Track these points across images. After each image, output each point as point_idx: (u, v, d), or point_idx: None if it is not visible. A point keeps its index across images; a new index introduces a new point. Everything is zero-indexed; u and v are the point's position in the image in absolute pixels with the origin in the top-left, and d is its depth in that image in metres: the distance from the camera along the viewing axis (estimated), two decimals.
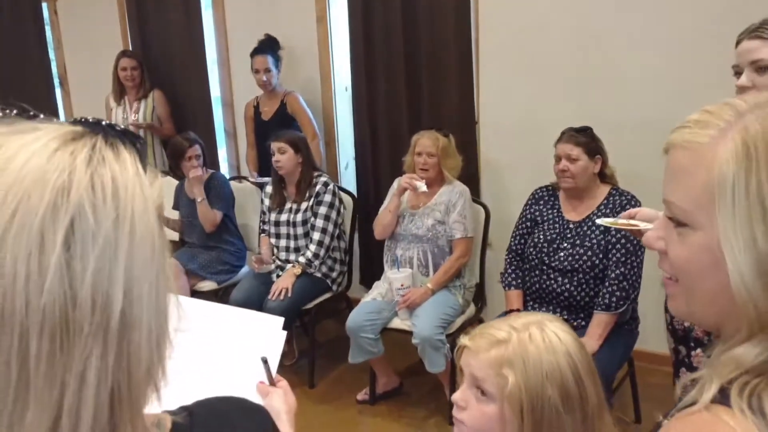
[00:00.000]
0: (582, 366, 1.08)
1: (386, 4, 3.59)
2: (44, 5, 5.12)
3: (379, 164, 3.85)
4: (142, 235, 0.48)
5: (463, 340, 1.14)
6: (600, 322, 2.45)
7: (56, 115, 5.18)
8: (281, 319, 1.20)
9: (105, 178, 0.47)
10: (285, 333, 1.19)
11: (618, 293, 2.44)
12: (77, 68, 5.13)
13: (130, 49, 4.67)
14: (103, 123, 0.52)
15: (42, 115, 0.53)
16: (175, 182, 3.91)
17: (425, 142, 3.03)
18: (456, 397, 1.11)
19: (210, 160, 4.04)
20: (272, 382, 1.10)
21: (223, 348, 1.12)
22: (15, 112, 0.53)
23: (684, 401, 0.63)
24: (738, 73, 1.57)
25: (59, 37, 5.15)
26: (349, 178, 4.12)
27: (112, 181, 0.48)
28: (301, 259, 3.31)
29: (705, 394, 0.60)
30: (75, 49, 5.10)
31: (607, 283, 2.47)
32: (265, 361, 1.09)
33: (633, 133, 3.00)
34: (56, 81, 5.26)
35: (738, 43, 1.57)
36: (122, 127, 0.54)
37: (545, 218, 2.67)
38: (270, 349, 1.13)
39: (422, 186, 2.92)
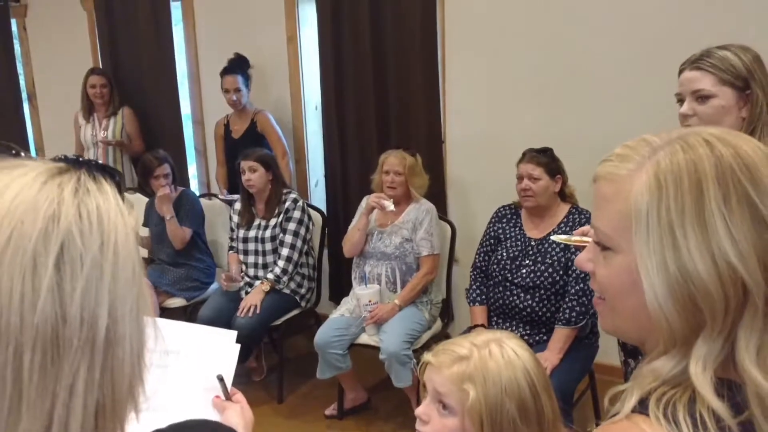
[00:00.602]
0: (538, 381, 1.14)
1: (355, 26, 3.67)
2: (13, 21, 5.10)
3: (349, 182, 3.90)
4: (124, 258, 0.53)
5: (427, 356, 1.20)
6: (561, 337, 2.53)
7: (24, 130, 5.18)
8: (234, 333, 1.23)
9: (90, 208, 0.52)
10: (238, 346, 1.21)
11: (578, 308, 2.52)
12: (46, 84, 5.12)
13: (100, 65, 4.68)
14: (84, 159, 0.57)
15: (23, 153, 0.58)
16: (145, 199, 3.92)
17: (392, 160, 3.10)
18: (419, 411, 1.17)
19: (180, 177, 4.06)
20: (228, 397, 1.13)
21: (179, 364, 1.14)
22: None
23: (611, 412, 0.69)
24: (681, 101, 1.66)
25: (28, 52, 5.14)
26: (319, 196, 4.17)
27: (96, 210, 0.52)
28: (270, 276, 3.34)
29: (626, 404, 0.66)
30: (44, 65, 5.08)
31: (567, 299, 2.55)
32: (220, 379, 1.12)
33: (593, 151, 3.05)
34: (24, 96, 5.23)
35: (680, 72, 1.67)
36: (103, 163, 0.58)
37: (508, 236, 2.75)
38: (225, 363, 1.16)
39: (390, 205, 2.98)
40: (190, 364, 1.14)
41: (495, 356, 1.12)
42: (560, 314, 2.56)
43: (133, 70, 4.57)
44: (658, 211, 0.66)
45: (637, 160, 0.70)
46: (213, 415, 1.09)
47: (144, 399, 0.56)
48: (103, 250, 0.52)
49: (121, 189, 0.57)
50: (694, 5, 2.86)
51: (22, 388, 0.48)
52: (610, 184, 0.72)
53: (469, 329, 2.75)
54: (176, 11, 4.38)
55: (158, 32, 4.39)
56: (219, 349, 1.18)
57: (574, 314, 2.52)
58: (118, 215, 0.54)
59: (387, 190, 3.08)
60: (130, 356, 0.54)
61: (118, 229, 0.53)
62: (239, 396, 1.15)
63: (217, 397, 1.12)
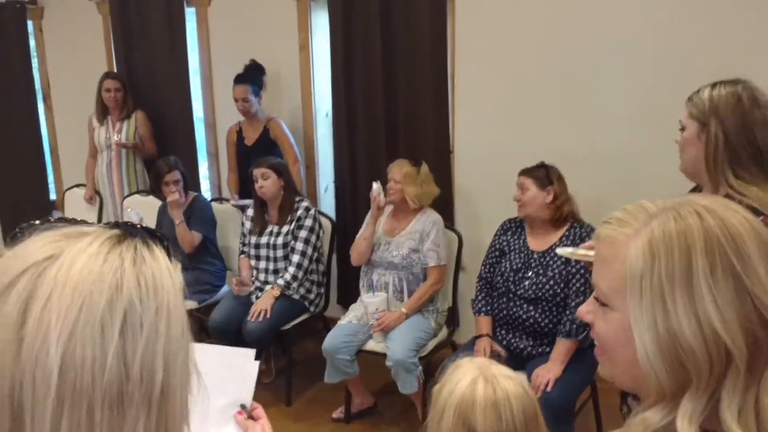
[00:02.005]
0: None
1: (366, 35, 3.73)
2: (29, 23, 5.18)
3: (358, 188, 3.96)
4: (176, 319, 0.61)
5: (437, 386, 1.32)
6: (562, 349, 2.59)
7: (38, 130, 5.26)
8: (253, 351, 1.31)
9: (147, 276, 0.59)
10: (258, 363, 1.29)
11: (578, 321, 2.58)
12: (61, 85, 5.19)
13: (114, 68, 4.76)
14: (136, 226, 0.64)
15: (76, 218, 0.65)
16: (158, 202, 4.00)
17: (393, 169, 3.20)
18: None
19: (191, 179, 4.13)
20: (250, 416, 1.20)
21: (206, 385, 1.21)
22: (55, 219, 0.65)
23: None
24: (682, 129, 1.75)
25: (43, 53, 5.21)
26: (328, 201, 4.24)
27: (152, 277, 0.60)
28: (280, 281, 3.42)
29: None
30: (59, 66, 5.16)
31: (568, 312, 2.61)
32: (243, 407, 1.19)
33: (599, 164, 3.17)
34: (39, 97, 5.32)
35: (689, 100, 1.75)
36: (152, 228, 0.66)
37: (512, 248, 2.82)
38: (246, 381, 1.23)
39: (381, 200, 3.17)
40: (215, 384, 1.21)
41: (454, 385, 1.26)
42: (561, 326, 2.62)
43: (146, 74, 4.64)
44: (651, 277, 0.73)
45: (635, 226, 0.77)
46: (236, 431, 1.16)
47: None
48: (159, 313, 0.59)
49: (169, 252, 0.65)
50: (699, 28, 2.91)
51: None
52: (609, 247, 0.79)
53: (475, 339, 2.82)
54: (190, 17, 4.45)
55: (172, 37, 4.46)
56: (240, 367, 1.25)
57: (575, 326, 2.58)
58: (169, 279, 0.62)
59: (389, 196, 3.18)
60: (180, 402, 0.62)
61: (170, 293, 0.61)
62: (259, 411, 1.21)
63: (240, 413, 1.18)
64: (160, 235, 0.65)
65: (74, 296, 0.55)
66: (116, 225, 0.63)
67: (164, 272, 0.61)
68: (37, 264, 0.57)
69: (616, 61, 3.12)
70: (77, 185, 4.73)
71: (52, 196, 5.48)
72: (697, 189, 1.92)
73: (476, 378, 1.25)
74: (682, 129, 1.73)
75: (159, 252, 0.63)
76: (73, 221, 0.65)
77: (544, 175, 2.75)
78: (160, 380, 0.58)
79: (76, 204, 4.71)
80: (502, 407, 1.22)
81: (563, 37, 3.24)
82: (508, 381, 1.26)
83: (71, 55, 5.03)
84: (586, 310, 0.84)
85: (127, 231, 0.62)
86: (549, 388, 2.48)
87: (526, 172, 2.80)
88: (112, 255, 0.59)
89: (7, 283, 0.56)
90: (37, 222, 0.66)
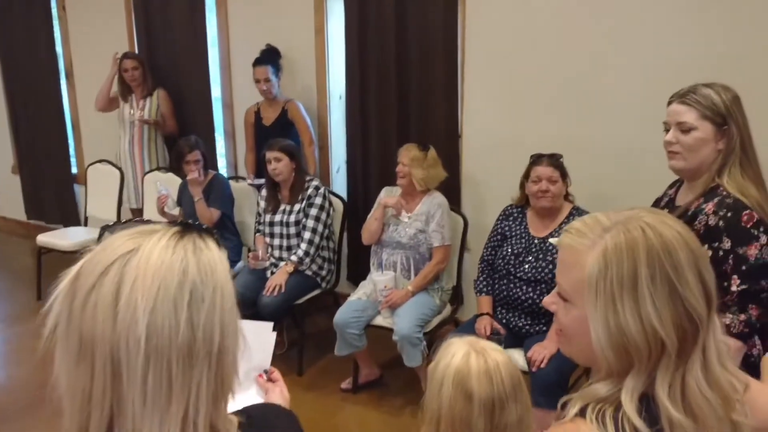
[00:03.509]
0: (497, 393, 1.42)
1: (380, 21, 3.85)
2: (53, 1, 5.33)
3: (369, 170, 4.11)
4: (228, 295, 0.78)
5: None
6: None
7: (61, 106, 5.42)
8: (271, 324, 1.51)
9: (204, 262, 0.77)
10: (275, 334, 1.49)
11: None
12: (83, 63, 5.35)
13: (135, 47, 4.91)
14: (191, 223, 0.82)
15: (144, 219, 0.82)
16: (178, 180, 4.16)
17: (402, 152, 3.34)
18: None
19: (209, 158, 4.29)
20: (269, 379, 1.40)
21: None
22: (129, 220, 0.83)
23: (562, 414, 0.93)
24: (667, 130, 1.87)
25: (67, 32, 5.37)
26: (340, 182, 4.39)
27: (208, 263, 0.77)
28: (293, 258, 3.59)
29: (571, 410, 0.91)
30: (81, 45, 5.32)
31: None
32: (265, 371, 1.38)
33: (602, 154, 3.29)
34: (63, 74, 5.48)
35: (669, 104, 1.87)
36: (204, 225, 0.82)
37: (513, 233, 2.97)
38: (265, 349, 1.43)
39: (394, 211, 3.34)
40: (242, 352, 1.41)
41: (451, 359, 1.43)
42: None
43: (167, 54, 4.79)
44: (604, 282, 0.90)
45: (591, 237, 0.93)
46: (259, 393, 1.35)
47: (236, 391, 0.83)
48: (215, 291, 0.77)
49: (219, 243, 0.82)
50: (701, 29, 3.01)
51: (171, 385, 0.73)
52: (570, 254, 0.96)
53: (476, 317, 2.99)
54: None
55: (192, 18, 4.59)
56: (260, 337, 1.44)
57: None
58: (221, 264, 0.80)
59: (398, 179, 3.33)
60: (233, 359, 0.80)
61: (222, 275, 0.79)
62: (277, 374, 1.41)
63: (260, 376, 1.39)
64: (209, 230, 0.83)
65: (153, 280, 0.73)
66: (177, 224, 0.81)
67: (217, 259, 0.79)
68: (122, 256, 0.75)
69: (622, 54, 3.21)
70: (100, 161, 4.90)
71: (74, 170, 5.68)
72: (678, 182, 2.05)
73: (468, 352, 1.43)
74: (688, 130, 1.82)
75: (212, 243, 0.81)
76: (143, 221, 0.83)
77: (562, 165, 2.88)
78: (218, 341, 0.76)
79: (98, 179, 4.89)
80: (494, 374, 1.41)
81: (571, 29, 3.33)
82: (496, 353, 1.45)
83: (94, 34, 5.18)
84: (550, 301, 1.01)
85: (186, 228, 0.80)
86: (544, 364, 2.65)
87: (553, 163, 2.86)
88: (178, 247, 0.77)
89: (100, 271, 0.74)
90: (118, 223, 0.85)
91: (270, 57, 4.05)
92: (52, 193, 5.73)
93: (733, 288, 1.75)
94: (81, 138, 5.58)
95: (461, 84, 3.71)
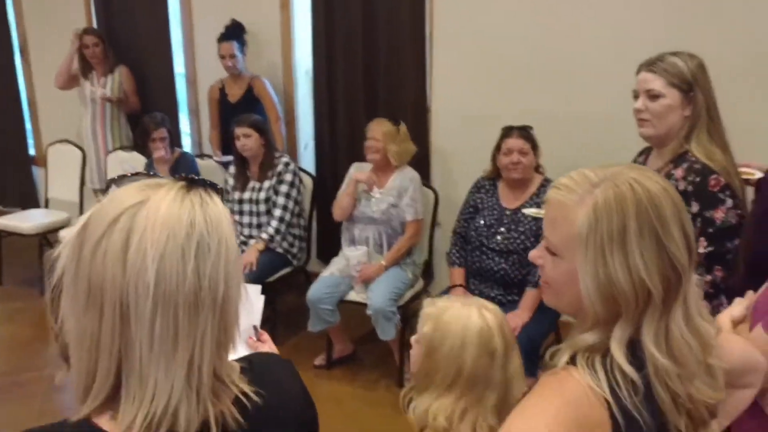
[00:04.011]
0: (499, 344, 1.44)
1: None
2: None
3: (337, 146, 4.09)
4: (232, 247, 0.80)
5: (427, 300, 1.55)
6: (530, 297, 2.80)
7: (16, 85, 5.26)
8: (259, 287, 1.54)
9: (211, 215, 0.78)
10: (263, 297, 1.52)
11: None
12: (39, 39, 5.18)
13: (94, 22, 4.78)
14: (197, 178, 0.82)
15: (149, 173, 0.82)
16: (143, 159, 4.09)
17: (374, 127, 3.34)
18: (412, 338, 1.51)
19: (174, 136, 4.21)
20: (258, 338, 1.44)
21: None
22: (133, 174, 0.85)
23: (551, 363, 0.95)
24: (636, 97, 1.91)
25: (20, 5, 5.17)
26: (308, 158, 4.36)
27: (214, 216, 0.78)
28: (264, 235, 3.57)
29: (561, 359, 0.94)
30: (36, 19, 5.14)
31: None
32: (255, 328, 1.41)
33: (573, 126, 3.33)
34: (17, 52, 5.30)
35: (638, 72, 1.91)
36: (208, 180, 0.82)
37: (485, 205, 3.00)
38: (254, 311, 1.46)
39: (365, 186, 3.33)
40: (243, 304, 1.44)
41: (460, 312, 1.46)
42: (531, 277, 2.82)
43: (127, 30, 4.66)
44: (594, 236, 0.92)
45: (579, 193, 0.95)
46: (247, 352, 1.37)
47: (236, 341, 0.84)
48: (220, 242, 0.78)
49: (222, 196, 0.84)
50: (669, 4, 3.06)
51: (178, 330, 0.75)
52: (559, 210, 0.97)
53: (449, 289, 3.02)
54: None
55: None
56: (250, 300, 1.46)
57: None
58: (225, 218, 0.81)
59: (368, 155, 3.32)
60: (235, 309, 0.81)
61: (227, 227, 0.80)
62: (265, 336, 1.45)
63: (251, 338, 1.43)
64: (214, 185, 0.83)
65: (162, 230, 0.75)
66: (182, 178, 0.82)
67: (221, 213, 0.80)
68: (131, 207, 0.76)
69: (590, 26, 3.25)
70: (60, 140, 4.77)
71: (32, 151, 5.52)
72: (647, 149, 2.10)
73: (480, 311, 1.46)
74: (655, 97, 1.86)
75: (216, 198, 0.82)
76: (149, 175, 0.85)
77: (533, 137, 2.91)
78: (222, 291, 0.78)
79: (58, 159, 4.76)
80: (504, 326, 1.47)
81: (537, 3, 3.36)
82: (493, 305, 1.52)
83: (49, 9, 5.01)
84: (537, 255, 1.03)
85: (192, 182, 0.81)
86: (517, 333, 2.69)
87: (523, 135, 2.89)
88: (185, 200, 0.78)
89: (110, 221, 0.75)
90: (124, 176, 0.87)
91: (235, 32, 3.99)
92: (9, 175, 5.54)
93: (701, 250, 1.80)
94: (38, 118, 5.41)
95: (429, 58, 3.71)
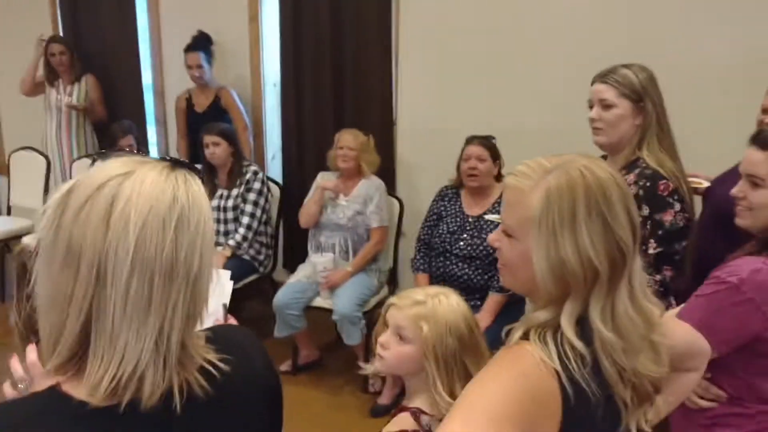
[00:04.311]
0: (472, 325, 1.50)
1: (315, 8, 3.88)
2: None
3: (304, 157, 4.15)
4: (209, 226, 0.84)
5: (391, 299, 1.55)
6: (493, 302, 2.90)
7: None
8: (228, 272, 1.57)
9: (192, 193, 0.83)
10: (232, 282, 1.54)
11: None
12: (2, 48, 5.14)
13: (60, 30, 4.77)
14: (179, 160, 0.87)
15: (137, 151, 0.87)
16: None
17: (347, 137, 3.42)
18: (381, 340, 1.52)
19: (142, 145, 4.23)
20: (225, 321, 1.46)
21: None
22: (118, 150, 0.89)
23: (507, 340, 1.03)
24: (591, 107, 2.03)
25: None
26: (275, 169, 4.41)
27: (195, 194, 0.83)
28: (231, 242, 3.60)
29: (515, 335, 1.01)
30: (1, 30, 5.10)
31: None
32: (225, 306, 1.44)
33: (530, 137, 3.42)
34: None
35: (592, 83, 2.03)
36: (189, 162, 0.88)
37: (449, 213, 3.10)
38: (223, 294, 1.49)
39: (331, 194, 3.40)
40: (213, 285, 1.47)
41: (443, 304, 1.48)
42: (493, 282, 2.92)
43: (94, 39, 4.67)
44: (547, 219, 0.99)
45: (534, 179, 1.03)
46: None
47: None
48: (199, 219, 0.83)
49: (203, 180, 0.88)
50: (624, 15, 3.22)
51: (152, 297, 0.79)
52: (515, 194, 1.05)
53: None
54: None
55: (120, 5, 4.50)
56: (219, 284, 1.49)
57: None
58: (205, 199, 0.86)
59: (341, 163, 3.39)
60: (206, 287, 0.86)
61: (205, 207, 0.85)
62: (233, 320, 1.46)
63: (217, 320, 1.44)
64: (195, 168, 0.89)
65: (146, 200, 0.79)
66: (166, 159, 0.87)
67: (202, 194, 0.85)
68: (119, 176, 0.80)
69: (549, 42, 3.38)
70: (24, 147, 4.73)
71: None
72: (603, 158, 2.22)
73: (454, 296, 1.50)
74: (608, 107, 1.97)
75: (198, 181, 0.87)
76: (133, 153, 0.89)
77: (494, 146, 3.02)
78: (197, 266, 0.82)
79: (22, 166, 4.72)
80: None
81: (502, 18, 3.49)
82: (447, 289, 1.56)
83: (12, 15, 4.99)
84: (495, 238, 1.11)
85: (176, 163, 0.86)
86: None
87: (482, 143, 3.02)
88: (170, 176, 0.83)
89: (96, 186, 0.79)
90: (110, 151, 0.90)
91: (202, 43, 4.04)
92: None
93: (650, 251, 1.91)
94: (0, 126, 5.36)
95: (396, 73, 3.81)
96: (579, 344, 0.96)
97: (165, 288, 0.79)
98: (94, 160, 0.87)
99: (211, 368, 0.87)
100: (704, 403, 1.58)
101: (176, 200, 0.80)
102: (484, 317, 2.85)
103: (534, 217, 1.00)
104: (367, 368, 1.62)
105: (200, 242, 0.82)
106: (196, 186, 0.84)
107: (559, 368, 0.95)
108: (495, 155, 3.03)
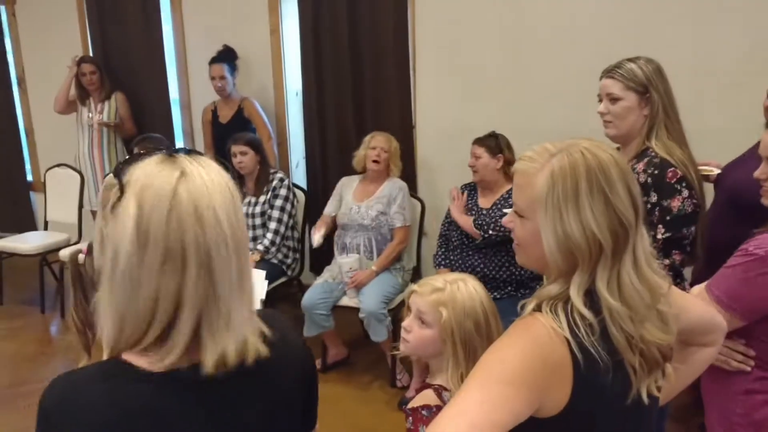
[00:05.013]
0: (489, 309, 1.60)
1: (334, 20, 4.03)
2: (2, 8, 5.33)
3: (328, 162, 4.29)
4: (240, 208, 0.95)
5: (412, 286, 1.66)
6: None
7: (14, 113, 5.42)
8: (263, 272, 1.68)
9: (228, 178, 0.94)
10: (267, 281, 1.65)
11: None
12: (36, 69, 5.36)
13: (90, 51, 4.97)
14: (187, 149, 0.96)
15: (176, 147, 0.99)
16: None
17: (381, 139, 3.56)
18: (404, 324, 1.63)
19: None
20: None
21: None
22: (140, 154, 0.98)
23: (520, 313, 1.12)
24: (600, 101, 2.12)
25: (17, 38, 5.36)
26: (299, 176, 4.55)
27: (231, 180, 0.94)
28: (260, 247, 3.73)
29: (528, 307, 1.09)
30: (33, 51, 5.32)
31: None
32: (261, 302, 1.55)
33: (544, 136, 3.50)
34: (14, 81, 5.47)
35: (600, 78, 2.12)
36: (189, 148, 0.99)
37: (466, 206, 3.22)
38: (259, 290, 1.59)
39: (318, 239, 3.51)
40: None
41: (461, 290, 1.58)
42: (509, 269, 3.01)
43: (122, 57, 4.86)
44: (552, 197, 1.08)
45: (540, 162, 1.12)
46: None
47: None
48: (233, 201, 0.93)
49: (229, 171, 0.97)
50: (633, 18, 3.30)
51: (244, 269, 0.92)
52: (523, 177, 1.14)
53: None
54: (165, 1, 4.68)
55: (147, 21, 4.69)
56: (257, 280, 1.60)
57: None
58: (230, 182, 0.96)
59: (372, 163, 3.51)
60: (246, 255, 0.96)
61: (234, 190, 0.95)
62: None
63: None
64: (221, 159, 0.99)
65: (215, 192, 0.90)
66: (178, 151, 0.95)
67: (229, 177, 0.96)
68: (178, 180, 0.88)
69: (558, 47, 3.50)
70: (58, 165, 4.93)
71: (29, 177, 5.66)
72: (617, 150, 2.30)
73: (472, 281, 1.61)
74: (615, 100, 2.06)
75: (207, 158, 0.97)
76: (141, 155, 0.97)
77: (494, 143, 3.13)
78: (241, 237, 0.92)
79: (57, 183, 4.91)
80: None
81: (515, 24, 3.60)
82: (466, 275, 1.66)
83: (46, 39, 5.20)
84: (508, 220, 1.20)
85: (188, 152, 0.96)
86: None
87: (478, 142, 3.19)
88: (207, 165, 0.93)
89: (169, 194, 0.87)
90: (134, 157, 0.97)
91: (226, 56, 4.20)
92: (7, 201, 5.67)
93: (659, 236, 1.99)
94: (36, 145, 5.58)
95: (413, 79, 3.93)
96: (587, 313, 1.04)
97: (245, 258, 0.93)
98: (118, 170, 0.93)
99: (266, 334, 0.97)
100: (735, 364, 1.65)
101: (228, 185, 0.92)
102: None
103: (541, 196, 1.09)
104: (397, 351, 1.73)
105: (242, 219, 0.94)
106: (226, 171, 0.95)
107: (569, 336, 1.02)
108: (494, 150, 3.14)
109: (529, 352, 1.02)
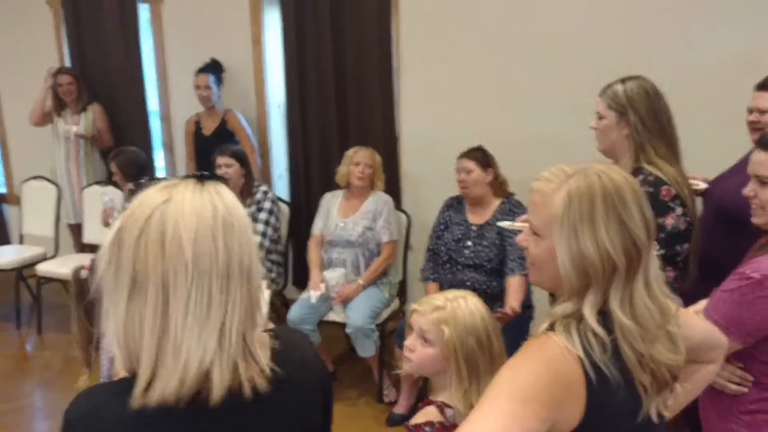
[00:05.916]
0: (489, 325, 1.61)
1: (317, 31, 4.01)
2: None
3: (311, 175, 4.25)
4: (250, 227, 0.93)
5: (414, 306, 1.67)
6: (514, 284, 2.94)
7: None
8: (264, 282, 1.64)
9: (227, 201, 0.91)
10: (269, 292, 1.61)
11: (518, 259, 2.94)
12: (10, 80, 5.24)
13: (66, 62, 4.88)
14: (205, 174, 0.94)
15: (163, 177, 0.96)
16: (118, 192, 4.16)
17: (365, 154, 3.52)
18: (407, 343, 1.64)
19: (149, 171, 4.32)
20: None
21: None
22: (149, 179, 0.98)
23: (534, 332, 1.12)
24: (600, 118, 2.15)
25: None
26: (282, 188, 4.51)
27: (231, 201, 0.91)
28: None
29: (541, 326, 1.10)
30: (6, 61, 5.20)
31: (509, 255, 2.99)
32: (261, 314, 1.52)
33: (529, 148, 3.55)
34: None
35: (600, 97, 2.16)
36: (214, 174, 0.95)
37: (454, 222, 3.20)
38: (262, 302, 1.56)
39: (314, 295, 3.37)
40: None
41: (462, 307, 1.59)
42: (507, 268, 2.99)
43: (100, 68, 4.77)
44: (568, 217, 1.09)
45: (557, 182, 1.13)
46: None
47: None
48: (240, 221, 0.91)
49: (229, 189, 0.95)
50: (620, 28, 3.34)
51: (211, 301, 0.87)
52: (540, 196, 1.15)
53: None
54: (144, 11, 4.62)
55: (125, 31, 4.60)
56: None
57: (515, 263, 2.95)
58: (234, 198, 0.94)
59: (357, 180, 3.48)
60: (258, 277, 0.94)
61: (242, 210, 0.94)
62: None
63: None
64: (222, 179, 0.97)
65: (191, 218, 0.87)
66: (193, 175, 0.94)
67: (234, 199, 0.94)
68: (159, 205, 0.88)
69: (545, 58, 3.51)
70: (34, 177, 4.82)
71: (2, 189, 5.54)
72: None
73: (472, 298, 1.62)
74: (600, 118, 2.14)
75: (226, 189, 0.95)
76: (159, 180, 0.97)
77: (482, 156, 3.12)
78: (247, 261, 0.91)
79: (33, 195, 4.81)
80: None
81: (498, 35, 3.61)
82: (466, 292, 1.67)
83: (21, 50, 5.09)
84: (522, 238, 1.21)
85: (202, 178, 0.94)
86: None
87: (467, 156, 3.14)
88: (204, 192, 0.91)
89: (145, 218, 0.88)
90: (144, 183, 0.98)
91: (213, 68, 4.17)
92: None
93: (653, 253, 2.00)
94: (9, 156, 5.45)
95: (397, 90, 3.92)
96: (600, 331, 1.05)
97: (223, 289, 0.88)
98: (130, 195, 0.95)
99: (274, 365, 0.95)
100: (733, 387, 1.67)
101: (216, 210, 0.89)
102: (512, 302, 2.88)
103: (557, 215, 1.10)
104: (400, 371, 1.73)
105: (246, 238, 0.91)
106: (226, 192, 0.93)
107: (582, 355, 1.04)
108: (484, 164, 3.11)
109: (543, 371, 1.03)
